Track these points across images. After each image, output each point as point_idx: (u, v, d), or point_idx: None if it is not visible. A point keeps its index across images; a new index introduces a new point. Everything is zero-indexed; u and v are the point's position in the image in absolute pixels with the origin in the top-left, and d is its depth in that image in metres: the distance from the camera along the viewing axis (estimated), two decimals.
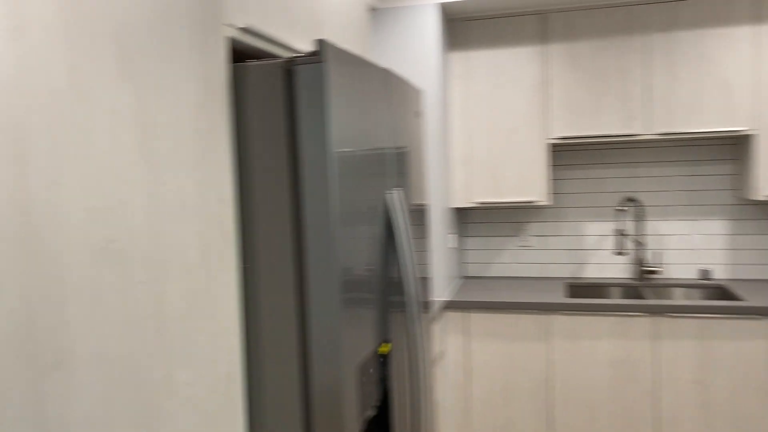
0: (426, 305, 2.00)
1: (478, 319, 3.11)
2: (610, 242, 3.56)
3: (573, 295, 3.41)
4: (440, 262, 3.19)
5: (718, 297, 3.25)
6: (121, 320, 1.25)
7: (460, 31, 3.35)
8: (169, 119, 1.22)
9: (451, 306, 3.12)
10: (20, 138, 1.00)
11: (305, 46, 1.70)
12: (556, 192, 3.61)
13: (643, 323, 2.92)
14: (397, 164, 1.71)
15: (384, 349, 1.52)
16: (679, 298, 3.34)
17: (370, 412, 1.42)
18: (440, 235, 3.19)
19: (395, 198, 1.62)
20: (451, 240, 3.40)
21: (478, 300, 3.08)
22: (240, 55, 1.44)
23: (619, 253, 3.54)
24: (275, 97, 1.25)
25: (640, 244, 3.49)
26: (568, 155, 3.59)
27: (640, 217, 3.50)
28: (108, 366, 1.26)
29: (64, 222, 1.12)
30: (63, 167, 1.08)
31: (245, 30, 1.34)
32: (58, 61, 1.04)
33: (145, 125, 1.21)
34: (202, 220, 1.22)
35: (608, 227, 3.56)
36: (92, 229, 1.19)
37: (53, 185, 1.08)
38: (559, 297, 3.10)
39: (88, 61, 1.08)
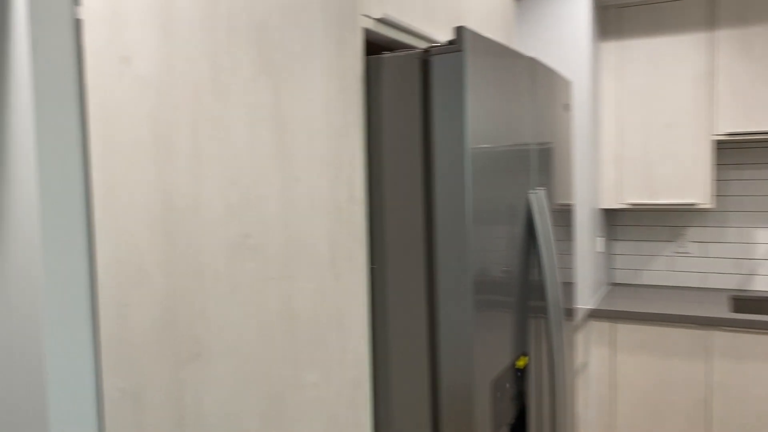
0: (569, 313, 1.86)
1: (625, 330, 2.88)
2: None
3: (738, 310, 3.09)
4: (586, 267, 3.00)
5: None
6: (253, 316, 1.26)
7: (613, 18, 3.12)
8: (303, 115, 1.20)
9: (596, 315, 2.92)
10: (167, 134, 1.02)
11: (445, 37, 1.62)
12: (719, 194, 3.26)
13: None
14: (540, 161, 1.59)
15: (521, 363, 1.41)
16: None
17: (504, 430, 1.32)
18: (587, 238, 3.00)
19: (538, 197, 1.51)
20: (599, 243, 3.19)
21: (627, 310, 2.87)
22: (372, 46, 1.39)
23: None
24: (410, 90, 1.18)
25: None
26: (735, 153, 3.23)
27: None
28: (240, 360, 1.28)
29: (205, 216, 1.13)
30: (204, 163, 1.09)
31: (381, 20, 1.29)
32: (201, 59, 1.05)
33: (281, 121, 1.20)
34: (333, 218, 1.19)
35: None
36: (230, 224, 1.20)
37: (195, 180, 1.09)
38: (722, 311, 2.79)
39: (228, 59, 1.08)
